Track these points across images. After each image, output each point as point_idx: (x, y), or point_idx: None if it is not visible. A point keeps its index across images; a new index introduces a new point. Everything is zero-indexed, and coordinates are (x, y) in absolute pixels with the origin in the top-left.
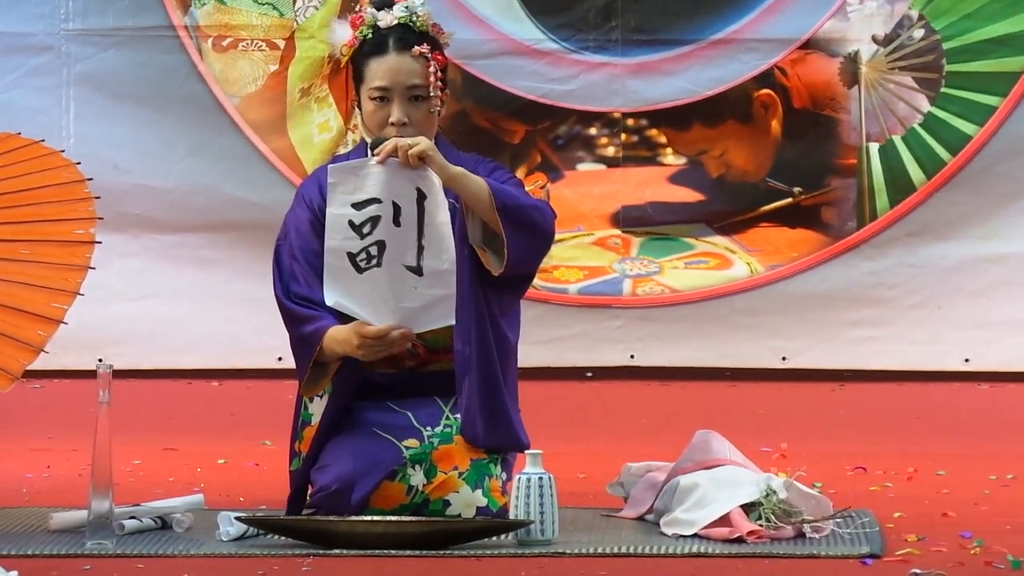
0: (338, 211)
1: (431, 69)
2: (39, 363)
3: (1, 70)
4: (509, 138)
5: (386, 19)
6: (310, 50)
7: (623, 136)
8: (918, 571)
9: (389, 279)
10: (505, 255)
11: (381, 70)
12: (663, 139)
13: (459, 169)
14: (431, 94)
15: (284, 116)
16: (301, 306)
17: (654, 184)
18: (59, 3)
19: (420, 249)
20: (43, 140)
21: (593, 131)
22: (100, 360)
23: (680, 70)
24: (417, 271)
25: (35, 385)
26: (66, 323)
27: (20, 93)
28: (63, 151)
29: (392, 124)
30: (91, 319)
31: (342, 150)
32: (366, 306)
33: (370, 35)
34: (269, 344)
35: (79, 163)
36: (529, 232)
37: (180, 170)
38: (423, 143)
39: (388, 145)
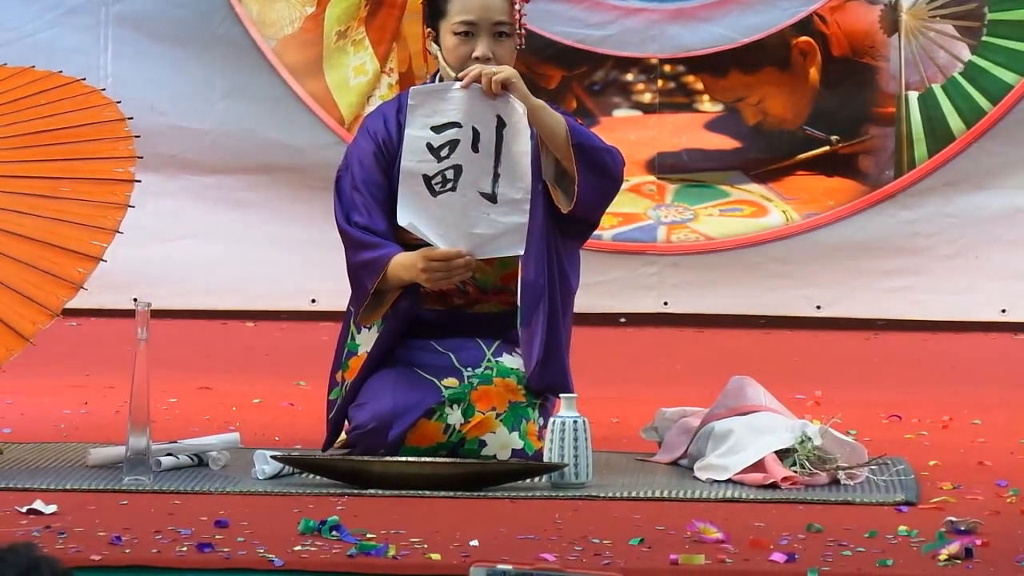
0: (417, 133)
1: (516, 7)
2: (75, 301)
3: (40, 9)
4: (545, 83)
5: None
6: None
7: (660, 82)
8: (953, 519)
9: (463, 204)
10: (575, 193)
11: (468, 5)
12: (700, 86)
13: (540, 102)
14: (515, 31)
15: (320, 59)
16: (364, 233)
17: (690, 131)
18: None
19: (496, 176)
20: (84, 79)
21: (630, 77)
22: (136, 299)
23: (718, 16)
24: (491, 198)
25: (72, 323)
26: (105, 261)
27: (59, 32)
28: (103, 90)
29: (476, 59)
30: (127, 259)
31: (377, 94)
32: (437, 229)
33: None
34: (304, 286)
35: (119, 102)
36: (599, 173)
37: (217, 112)
38: (507, 71)
39: (473, 70)
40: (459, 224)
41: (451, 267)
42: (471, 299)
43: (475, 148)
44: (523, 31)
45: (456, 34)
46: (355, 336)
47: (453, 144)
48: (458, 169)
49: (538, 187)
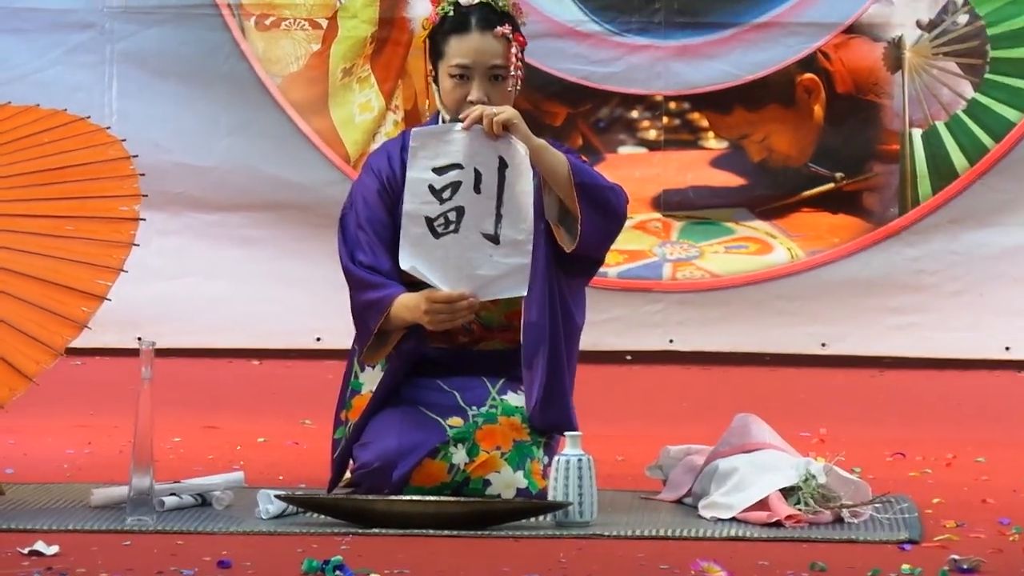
0: (419, 175)
1: (513, 50)
2: (79, 340)
3: (44, 47)
4: (551, 120)
5: None
6: (353, 30)
7: (665, 119)
8: (957, 557)
9: (465, 246)
10: (578, 232)
11: (463, 48)
12: (705, 123)
13: (541, 141)
14: (511, 74)
15: (326, 96)
16: (368, 273)
17: (695, 168)
18: None
19: (499, 217)
20: (88, 117)
21: (635, 114)
22: (140, 338)
23: (723, 53)
24: (494, 239)
25: (76, 362)
26: (109, 299)
27: (63, 70)
28: (108, 128)
29: (471, 102)
30: (131, 297)
31: (382, 131)
32: (440, 272)
33: (452, 12)
34: (309, 324)
35: (124, 140)
36: (602, 211)
37: (222, 149)
38: (508, 111)
39: (475, 111)
40: (462, 266)
41: (454, 309)
42: (476, 337)
43: (477, 189)
44: (520, 72)
45: (452, 76)
46: (359, 375)
47: (455, 186)
48: (460, 211)
49: (540, 227)
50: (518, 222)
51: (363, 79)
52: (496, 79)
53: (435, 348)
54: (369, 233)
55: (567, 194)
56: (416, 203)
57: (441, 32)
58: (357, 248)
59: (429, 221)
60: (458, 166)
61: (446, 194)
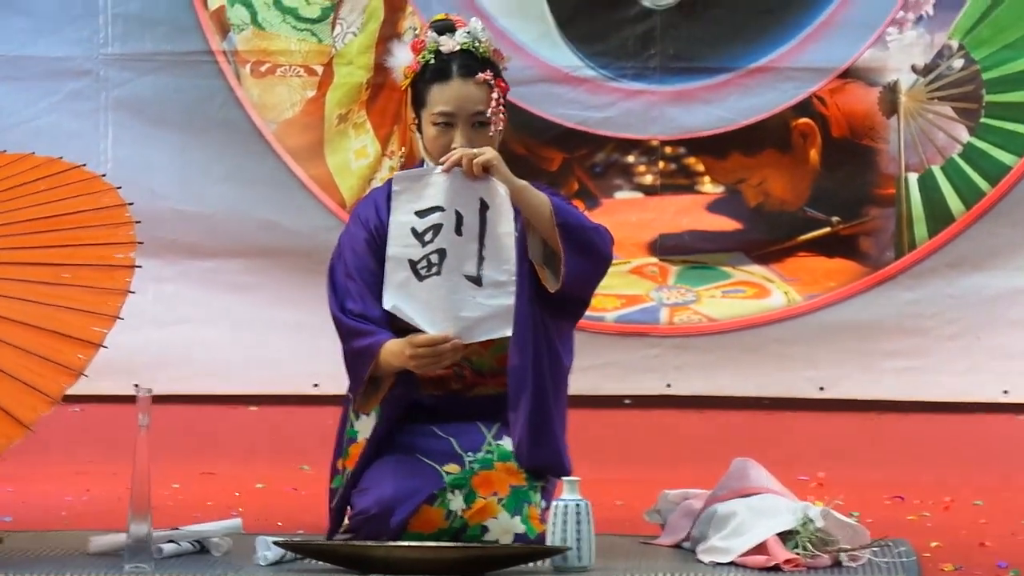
0: (402, 218)
1: (494, 96)
2: (77, 387)
3: (39, 94)
4: (546, 165)
5: (449, 44)
6: (348, 76)
7: (661, 164)
8: None
9: (448, 288)
10: (562, 272)
11: (445, 96)
12: (701, 167)
13: (522, 182)
14: (493, 119)
15: (321, 142)
16: (357, 321)
17: (692, 212)
18: (98, 28)
19: (481, 259)
20: (84, 165)
21: (631, 159)
22: (137, 385)
23: (718, 98)
24: (477, 281)
25: (74, 409)
26: (106, 347)
27: (58, 118)
28: (103, 175)
29: (456, 148)
30: (127, 344)
31: (378, 177)
32: (424, 314)
33: (432, 60)
34: (306, 370)
35: (119, 188)
36: (586, 252)
37: (217, 195)
38: (488, 153)
39: (454, 154)
40: (445, 308)
41: (437, 352)
42: (469, 383)
43: (459, 232)
44: (503, 117)
45: (435, 124)
46: (354, 423)
47: (437, 228)
48: (442, 253)
49: (524, 269)
50: (500, 263)
51: (359, 125)
52: (479, 125)
53: (429, 395)
54: (358, 281)
55: (550, 235)
56: (399, 247)
57: (423, 80)
58: (347, 297)
59: (412, 264)
60: (439, 209)
61: (428, 237)
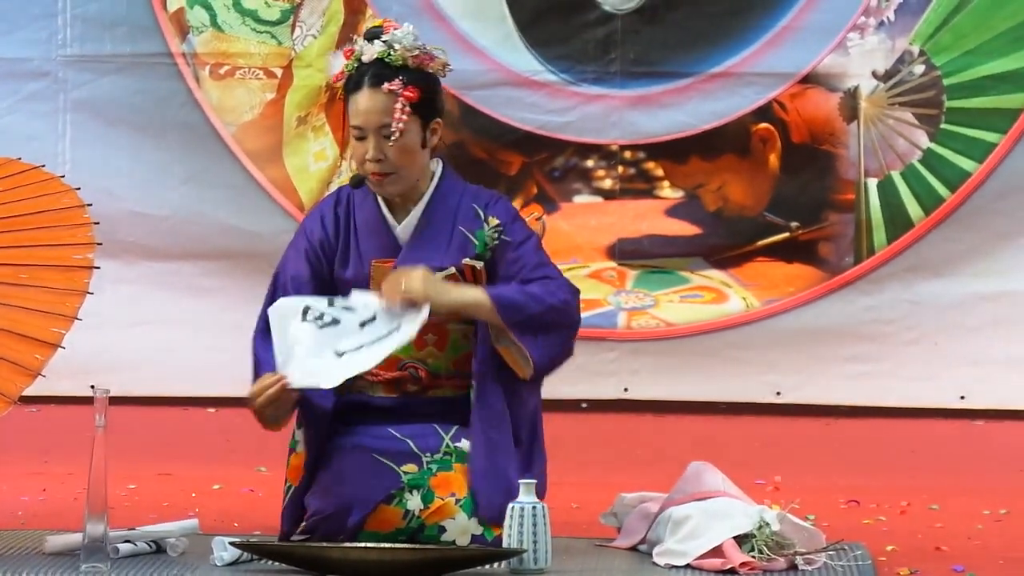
0: (333, 296)
1: (397, 105)
2: (35, 388)
3: None
4: (506, 169)
5: (368, 53)
6: (307, 79)
7: (620, 168)
8: None
9: (315, 341)
10: (531, 363)
11: (356, 108)
12: (660, 172)
13: (460, 300)
14: (403, 129)
15: (280, 145)
16: (257, 351)
17: (651, 217)
18: (57, 29)
19: (357, 348)
20: (43, 165)
21: (590, 163)
22: (93, 386)
23: (678, 103)
24: (339, 355)
25: (31, 409)
26: (64, 348)
27: (16, 118)
28: (62, 177)
29: (367, 160)
30: (85, 345)
31: (336, 180)
32: (279, 343)
33: (354, 70)
34: None
35: (79, 189)
36: (549, 333)
37: (176, 198)
38: (415, 289)
39: (386, 290)
40: (299, 353)
41: (262, 388)
42: (424, 385)
43: (362, 325)
44: (434, 122)
45: (353, 135)
46: (295, 433)
47: (351, 308)
48: (336, 321)
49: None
50: (366, 361)
51: (318, 128)
52: (389, 137)
53: (382, 397)
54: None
55: (507, 334)
56: (313, 297)
57: (346, 90)
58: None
59: (307, 308)
60: (371, 303)
61: (338, 302)
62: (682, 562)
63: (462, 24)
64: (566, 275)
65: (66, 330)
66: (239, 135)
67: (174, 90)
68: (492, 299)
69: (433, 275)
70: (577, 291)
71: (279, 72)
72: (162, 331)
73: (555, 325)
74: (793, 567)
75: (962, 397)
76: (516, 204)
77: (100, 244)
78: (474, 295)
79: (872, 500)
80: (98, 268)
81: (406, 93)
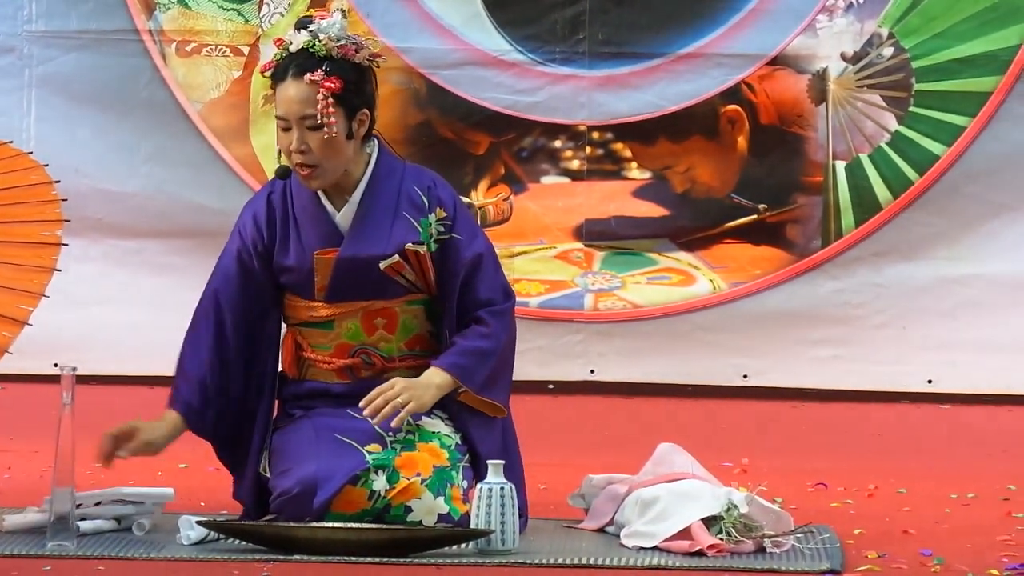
0: None
1: (319, 96)
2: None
3: None
4: (473, 149)
5: (296, 42)
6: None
7: (588, 149)
8: None
9: None
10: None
11: (279, 98)
12: (628, 153)
13: (437, 392)
14: (325, 120)
15: (247, 123)
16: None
17: (618, 198)
18: (22, 4)
19: None
20: (11, 142)
21: (558, 144)
22: (56, 364)
23: (647, 84)
24: None
25: None
26: (31, 324)
27: None
28: (30, 153)
29: (293, 152)
30: (50, 323)
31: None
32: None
33: (281, 59)
34: None
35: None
36: (507, 369)
37: (141, 175)
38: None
39: (378, 404)
40: None
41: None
42: (378, 369)
43: None
44: (362, 113)
45: (279, 127)
46: None
47: None
48: None
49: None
50: None
51: None
52: (313, 128)
53: (339, 384)
54: (211, 310)
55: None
56: None
57: (273, 79)
58: (199, 320)
59: None
60: None
61: None
62: (650, 544)
63: (430, 3)
64: (533, 255)
65: (33, 307)
66: (205, 113)
67: (140, 67)
68: (455, 377)
69: (407, 381)
70: (514, 298)
71: (246, 50)
72: (127, 309)
73: (509, 357)
74: (761, 550)
75: (930, 381)
76: (483, 185)
77: (68, 221)
78: (440, 379)
79: (840, 483)
80: (66, 245)
81: (327, 84)
